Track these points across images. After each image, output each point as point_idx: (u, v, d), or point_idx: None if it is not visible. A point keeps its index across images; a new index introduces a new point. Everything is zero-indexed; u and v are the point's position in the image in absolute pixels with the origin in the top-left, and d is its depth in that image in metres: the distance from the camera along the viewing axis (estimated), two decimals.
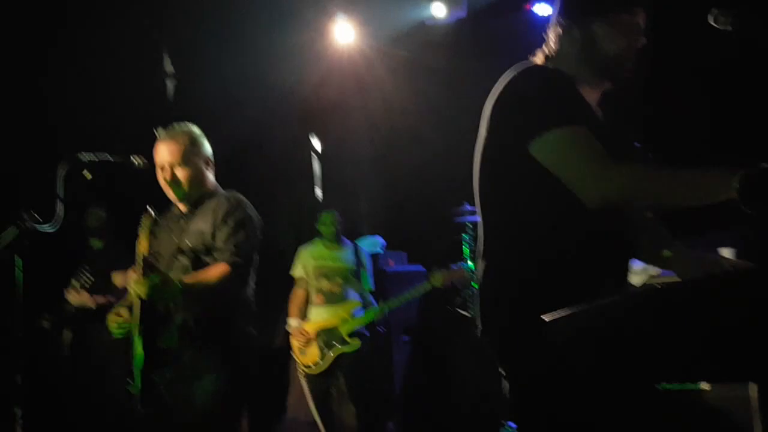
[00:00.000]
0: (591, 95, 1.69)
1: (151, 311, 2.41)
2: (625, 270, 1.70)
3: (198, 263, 2.53)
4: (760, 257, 1.93)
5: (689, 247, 1.74)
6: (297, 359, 4.33)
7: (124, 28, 4.61)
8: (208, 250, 2.53)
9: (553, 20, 1.72)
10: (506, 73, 1.65)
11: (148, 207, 2.43)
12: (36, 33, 4.27)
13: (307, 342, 4.25)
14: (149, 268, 2.43)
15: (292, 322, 4.35)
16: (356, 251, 4.42)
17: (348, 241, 4.49)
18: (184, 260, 2.54)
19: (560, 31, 1.68)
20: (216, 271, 2.48)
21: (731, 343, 1.09)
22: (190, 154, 2.60)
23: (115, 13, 4.54)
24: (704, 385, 2.96)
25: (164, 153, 2.59)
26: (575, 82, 1.64)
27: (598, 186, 1.48)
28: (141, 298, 2.38)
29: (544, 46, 1.74)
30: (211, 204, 2.60)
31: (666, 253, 1.68)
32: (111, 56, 4.49)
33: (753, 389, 2.75)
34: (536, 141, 1.52)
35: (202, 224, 2.56)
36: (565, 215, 1.55)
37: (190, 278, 2.46)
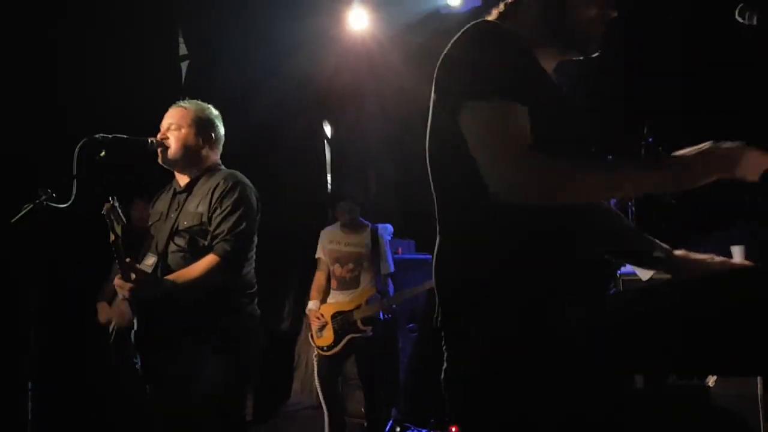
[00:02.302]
0: (548, 62, 1.52)
1: (143, 301, 2.39)
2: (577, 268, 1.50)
3: (194, 244, 2.50)
4: None
5: (697, 246, 1.71)
6: (313, 341, 4.35)
7: (140, 12, 4.61)
8: (205, 232, 2.50)
9: None
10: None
11: (109, 198, 2.36)
12: (51, 16, 4.26)
13: (323, 325, 4.27)
14: (129, 268, 2.36)
15: (310, 305, 4.38)
16: (373, 235, 4.41)
17: (366, 223, 4.49)
18: (180, 242, 2.51)
19: None
20: (202, 265, 2.43)
21: (737, 337, 1.09)
22: (191, 123, 2.59)
23: None
24: (710, 383, 2.97)
25: (167, 116, 2.61)
26: (530, 44, 1.45)
27: (504, 176, 1.28)
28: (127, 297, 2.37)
29: (501, 3, 1.55)
30: (209, 183, 2.57)
31: (657, 254, 1.61)
32: (127, 41, 4.49)
33: (759, 386, 2.76)
34: (462, 111, 1.35)
35: (199, 204, 2.53)
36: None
37: (174, 277, 2.41)
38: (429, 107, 1.49)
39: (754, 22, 1.44)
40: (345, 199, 4.46)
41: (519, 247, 1.37)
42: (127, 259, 2.36)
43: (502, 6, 1.55)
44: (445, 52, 1.45)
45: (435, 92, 1.46)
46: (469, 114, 1.34)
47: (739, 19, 1.46)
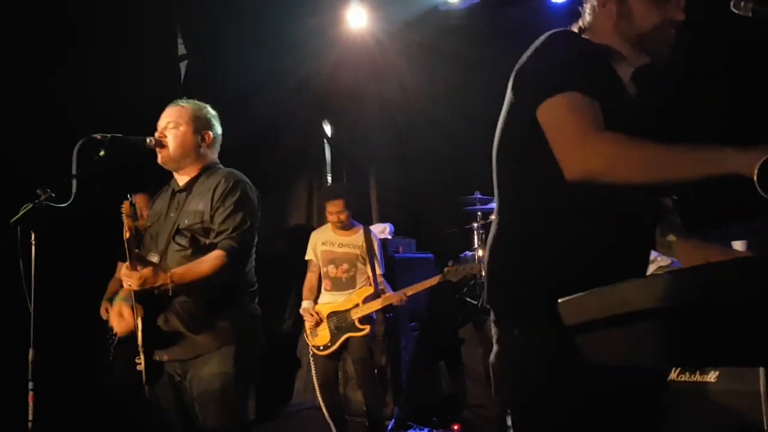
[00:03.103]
0: (624, 70, 1.64)
1: (148, 296, 2.39)
2: (642, 253, 1.65)
3: (195, 243, 2.49)
4: None
5: (703, 239, 1.71)
6: (308, 340, 4.36)
7: (139, 12, 4.61)
8: (206, 230, 2.50)
9: None
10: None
11: (128, 195, 2.39)
12: (50, 18, 4.27)
13: (318, 324, 4.27)
14: (139, 260, 2.38)
15: (304, 304, 4.38)
16: (366, 235, 4.42)
17: (358, 225, 4.49)
18: (181, 240, 2.51)
19: (595, 3, 1.65)
20: (209, 260, 2.43)
21: (740, 329, 1.08)
22: (189, 121, 2.58)
23: None
24: (711, 377, 2.96)
25: (164, 115, 2.61)
26: (607, 53, 1.60)
27: (578, 155, 1.39)
28: (134, 291, 2.37)
29: (579, 20, 1.69)
30: (209, 181, 2.57)
31: (670, 237, 1.64)
32: (125, 42, 4.49)
33: (761, 381, 2.75)
34: (540, 107, 1.47)
35: (199, 203, 2.53)
36: (575, 188, 1.45)
37: (183, 270, 2.41)
38: (504, 107, 1.62)
39: (750, 14, 1.43)
40: (336, 199, 4.43)
41: (574, 239, 1.51)
42: (136, 250, 2.38)
43: (580, 23, 1.69)
44: (524, 57, 1.59)
45: (513, 93, 1.59)
46: (547, 107, 1.46)
47: (735, 11, 1.46)
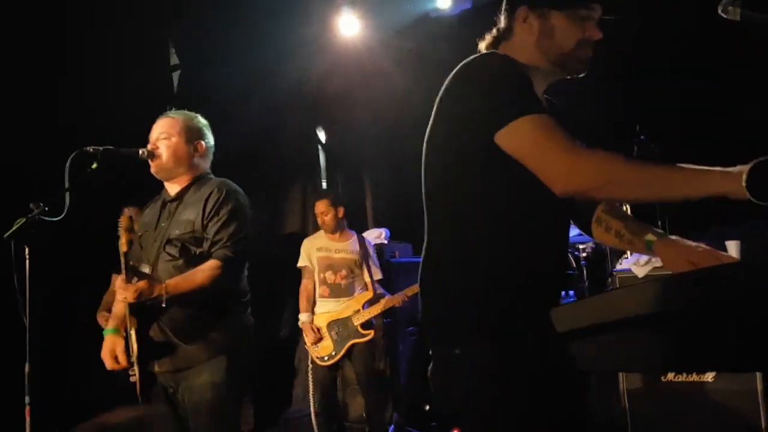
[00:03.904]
0: (540, 85, 1.68)
1: (142, 308, 2.38)
2: (563, 265, 1.74)
3: (186, 253, 2.48)
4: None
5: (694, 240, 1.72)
6: (310, 351, 4.32)
7: (130, 23, 4.61)
8: (197, 240, 2.49)
9: (507, 4, 1.70)
10: (459, 66, 1.63)
11: (125, 207, 2.40)
12: (43, 27, 4.26)
13: (319, 340, 4.25)
14: (133, 272, 2.38)
15: (303, 317, 4.32)
16: (361, 240, 4.41)
17: (352, 232, 4.49)
18: (171, 250, 2.50)
19: (515, 17, 1.67)
20: (205, 270, 2.42)
21: (735, 334, 1.08)
22: (180, 132, 2.58)
23: (122, 4, 4.53)
24: (709, 377, 2.97)
25: (156, 127, 2.61)
26: (527, 70, 1.62)
27: (568, 173, 1.43)
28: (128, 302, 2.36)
29: (494, 29, 1.72)
30: (201, 191, 2.56)
31: (649, 237, 1.65)
32: (117, 49, 4.49)
33: (758, 380, 2.76)
34: (503, 131, 1.48)
35: (190, 212, 2.52)
36: (530, 204, 1.55)
37: (177, 280, 2.40)
38: (429, 125, 1.64)
39: (738, 18, 1.44)
40: (321, 197, 4.43)
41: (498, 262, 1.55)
42: (131, 263, 2.38)
43: (495, 32, 1.71)
44: (450, 80, 1.61)
45: (444, 120, 1.61)
46: (514, 129, 1.47)
47: (723, 15, 1.46)
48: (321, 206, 4.37)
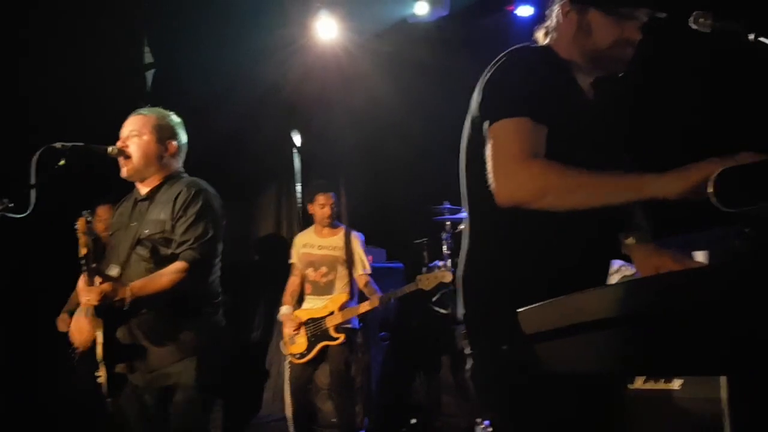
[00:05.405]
0: (585, 79, 1.67)
1: (108, 310, 2.35)
2: (604, 261, 1.67)
3: (156, 253, 2.45)
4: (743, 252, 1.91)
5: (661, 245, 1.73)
6: (284, 348, 4.29)
7: (104, 19, 4.55)
8: (167, 240, 2.46)
9: None
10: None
11: (83, 213, 2.34)
12: (12, 22, 4.19)
13: (297, 330, 4.20)
14: (96, 273, 2.34)
15: (283, 309, 4.30)
16: (347, 236, 4.36)
17: (341, 225, 4.45)
18: (142, 251, 2.47)
19: (560, 9, 1.66)
20: (171, 272, 2.40)
21: (700, 337, 1.10)
22: (152, 130, 2.54)
23: (95, 3, 4.47)
24: (675, 385, 3.01)
25: (127, 124, 2.57)
26: (568, 64, 1.62)
27: (505, 183, 1.42)
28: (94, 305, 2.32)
29: (546, 22, 1.71)
30: (171, 190, 2.53)
31: (630, 240, 1.65)
32: (91, 49, 4.43)
33: (723, 388, 2.80)
34: (492, 127, 1.49)
35: (161, 212, 2.49)
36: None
37: (142, 283, 2.37)
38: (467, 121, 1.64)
39: (708, 30, 1.46)
40: (329, 189, 4.36)
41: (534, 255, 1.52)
42: (93, 265, 2.33)
43: (545, 29, 1.71)
44: (488, 72, 1.60)
45: (477, 107, 1.59)
46: (495, 129, 1.48)
47: (693, 26, 1.48)
48: (323, 198, 4.32)
